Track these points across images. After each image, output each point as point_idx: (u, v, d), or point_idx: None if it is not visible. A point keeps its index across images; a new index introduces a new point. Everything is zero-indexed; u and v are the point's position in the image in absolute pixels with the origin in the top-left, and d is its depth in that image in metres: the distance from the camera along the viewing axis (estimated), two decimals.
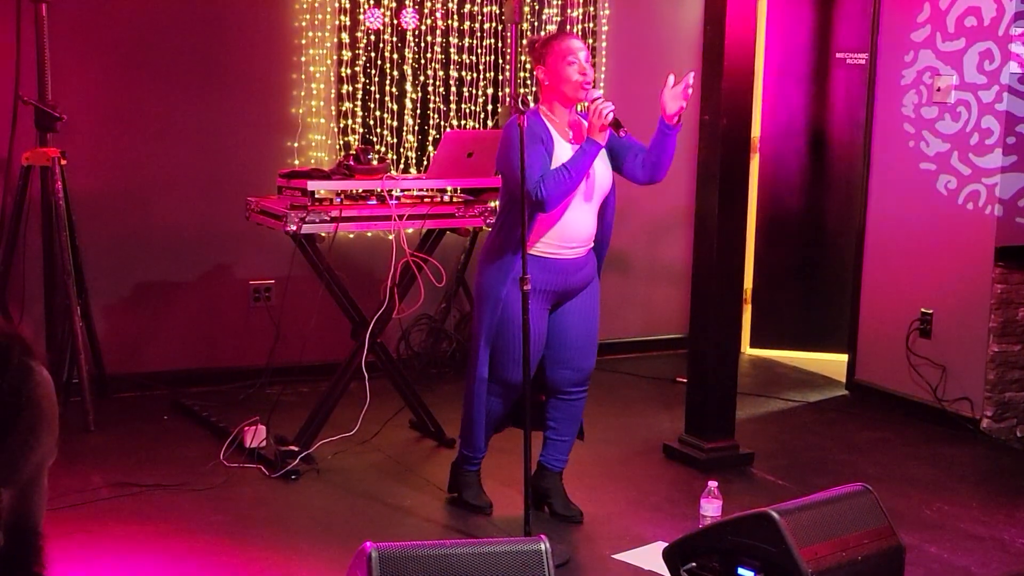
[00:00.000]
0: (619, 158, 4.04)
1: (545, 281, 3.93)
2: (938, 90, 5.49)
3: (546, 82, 3.94)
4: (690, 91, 3.91)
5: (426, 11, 5.99)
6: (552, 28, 6.25)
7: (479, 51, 6.14)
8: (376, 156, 4.91)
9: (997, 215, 5.26)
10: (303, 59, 5.79)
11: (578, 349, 4.11)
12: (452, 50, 6.08)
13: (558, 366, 4.11)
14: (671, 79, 3.95)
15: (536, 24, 6.25)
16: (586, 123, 3.96)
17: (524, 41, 4.24)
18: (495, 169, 4.14)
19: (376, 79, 5.93)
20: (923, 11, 5.57)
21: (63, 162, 5.02)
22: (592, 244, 4.05)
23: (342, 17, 5.82)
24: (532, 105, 3.99)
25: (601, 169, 3.96)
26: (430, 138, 6.09)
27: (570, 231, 3.93)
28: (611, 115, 3.82)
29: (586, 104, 3.92)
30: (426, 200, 4.70)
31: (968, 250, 5.40)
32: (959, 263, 5.45)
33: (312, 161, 5.78)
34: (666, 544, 3.44)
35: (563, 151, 3.89)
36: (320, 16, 5.79)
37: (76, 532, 3.88)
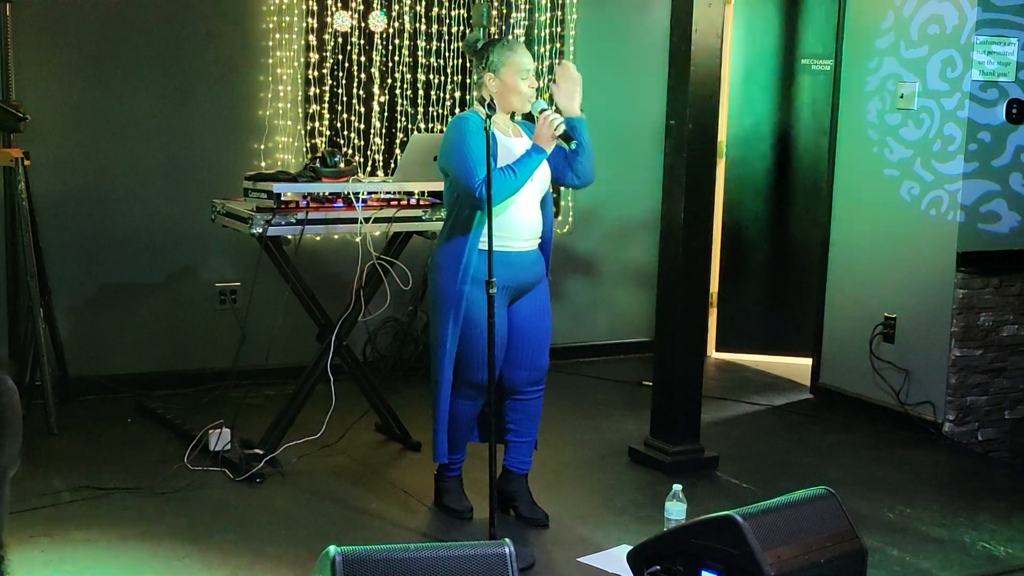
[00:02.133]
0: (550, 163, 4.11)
1: (502, 276, 3.95)
2: (901, 97, 5.55)
3: (494, 90, 4.00)
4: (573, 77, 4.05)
5: (394, 14, 5.99)
6: (519, 32, 6.26)
7: (447, 55, 6.14)
8: (343, 158, 4.90)
9: (959, 221, 5.32)
10: (270, 61, 5.77)
11: (533, 348, 4.14)
12: (420, 53, 6.08)
13: (514, 366, 4.12)
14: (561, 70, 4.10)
15: (504, 28, 6.26)
16: (517, 124, 4.09)
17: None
18: (438, 168, 4.12)
19: (344, 82, 5.92)
20: (887, 18, 5.63)
21: (27, 163, 4.98)
22: (540, 240, 4.11)
23: (309, 19, 5.80)
24: (496, 108, 4.00)
25: (541, 166, 4.02)
26: (397, 141, 6.08)
27: (518, 225, 3.99)
28: (561, 127, 3.91)
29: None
30: (393, 203, 4.69)
31: (931, 255, 5.45)
32: (922, 268, 5.50)
33: (279, 163, 5.76)
34: (631, 547, 3.45)
35: (508, 145, 3.97)
36: (288, 18, 5.77)
37: (37, 536, 3.85)
